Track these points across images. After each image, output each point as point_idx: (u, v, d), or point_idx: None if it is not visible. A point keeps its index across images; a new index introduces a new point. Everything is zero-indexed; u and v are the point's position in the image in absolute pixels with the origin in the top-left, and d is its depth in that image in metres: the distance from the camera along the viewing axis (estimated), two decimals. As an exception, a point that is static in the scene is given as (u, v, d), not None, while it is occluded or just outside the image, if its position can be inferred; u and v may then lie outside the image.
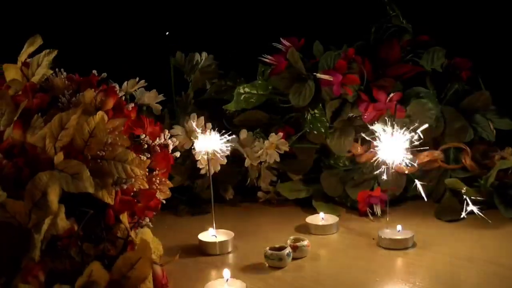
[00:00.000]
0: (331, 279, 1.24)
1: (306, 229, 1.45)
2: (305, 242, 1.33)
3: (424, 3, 1.77)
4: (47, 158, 1.20)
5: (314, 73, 1.51)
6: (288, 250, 1.29)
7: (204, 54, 1.74)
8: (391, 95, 1.48)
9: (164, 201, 1.46)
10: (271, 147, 1.57)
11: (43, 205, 1.13)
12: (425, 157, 1.50)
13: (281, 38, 1.59)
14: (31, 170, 1.17)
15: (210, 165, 1.40)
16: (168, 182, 1.45)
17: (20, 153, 1.20)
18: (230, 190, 1.62)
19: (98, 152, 1.26)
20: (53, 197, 1.13)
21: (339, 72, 1.50)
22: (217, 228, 1.41)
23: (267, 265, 1.29)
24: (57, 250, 1.16)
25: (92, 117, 1.26)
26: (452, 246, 1.35)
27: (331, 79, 1.49)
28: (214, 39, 1.80)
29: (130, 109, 1.40)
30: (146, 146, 1.38)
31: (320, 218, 1.45)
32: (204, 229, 1.41)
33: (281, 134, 1.57)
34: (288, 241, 1.33)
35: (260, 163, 1.59)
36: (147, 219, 1.39)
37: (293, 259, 1.31)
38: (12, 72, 1.41)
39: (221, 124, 1.63)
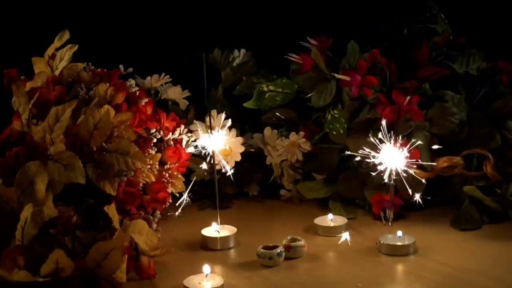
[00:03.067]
0: (316, 282, 1.24)
1: (315, 229, 1.44)
2: (300, 243, 1.33)
3: (465, 5, 1.72)
4: (46, 149, 1.26)
5: (333, 74, 1.50)
6: (279, 249, 1.30)
7: (242, 51, 1.76)
8: (408, 97, 1.44)
9: (177, 195, 1.50)
10: (293, 146, 1.57)
11: (30, 193, 1.19)
12: (443, 162, 1.45)
13: (307, 37, 1.58)
14: (30, 160, 1.24)
15: (214, 164, 1.42)
16: (180, 176, 1.48)
17: (20, 143, 1.27)
18: (255, 187, 1.64)
19: (104, 144, 1.32)
20: (41, 186, 1.19)
21: (359, 73, 1.48)
22: (228, 223, 1.44)
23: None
24: (50, 237, 1.23)
25: (98, 110, 1.32)
26: (454, 256, 1.31)
27: (349, 79, 1.47)
28: (251, 36, 1.81)
29: (143, 103, 1.44)
30: (155, 140, 1.42)
31: (329, 219, 1.44)
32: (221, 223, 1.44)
33: (302, 133, 1.57)
34: (284, 241, 1.33)
35: (283, 161, 1.59)
36: (157, 212, 1.44)
37: (288, 259, 1.32)
38: (40, 65, 1.49)
39: (251, 121, 1.66)
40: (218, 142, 1.41)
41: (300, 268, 1.29)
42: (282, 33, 1.80)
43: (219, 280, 1.21)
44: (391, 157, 1.32)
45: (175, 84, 1.68)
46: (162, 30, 1.86)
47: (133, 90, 1.43)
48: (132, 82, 1.44)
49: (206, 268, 1.22)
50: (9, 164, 1.24)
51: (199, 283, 1.21)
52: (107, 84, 1.39)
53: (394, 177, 1.34)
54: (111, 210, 1.23)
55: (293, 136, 1.57)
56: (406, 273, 1.26)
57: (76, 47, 1.45)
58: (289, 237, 1.34)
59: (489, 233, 1.40)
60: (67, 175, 1.23)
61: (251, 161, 1.62)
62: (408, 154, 1.34)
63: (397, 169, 1.33)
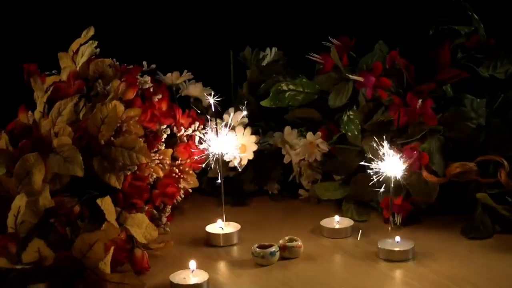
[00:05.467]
0: (302, 283, 1.24)
1: (321, 231, 1.44)
2: (297, 243, 1.33)
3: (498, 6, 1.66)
4: (51, 141, 1.32)
5: (347, 74, 1.49)
6: (273, 249, 1.30)
7: (274, 50, 1.76)
8: (420, 100, 1.41)
9: (190, 190, 1.53)
10: (311, 146, 1.57)
11: (27, 183, 1.24)
12: (456, 168, 1.41)
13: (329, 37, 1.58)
14: (34, 151, 1.29)
15: (220, 164, 1.43)
16: (191, 172, 1.51)
17: (26, 135, 1.32)
18: (274, 185, 1.64)
19: (112, 139, 1.36)
20: (37, 177, 1.24)
21: (375, 74, 1.46)
22: (241, 220, 1.46)
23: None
24: (50, 226, 1.28)
25: (106, 105, 1.36)
26: (452, 265, 1.27)
27: (362, 80, 1.46)
28: (281, 35, 1.81)
29: (157, 100, 1.47)
30: (165, 136, 1.45)
31: (335, 221, 1.43)
32: (234, 221, 1.45)
33: (319, 133, 1.56)
34: (281, 241, 1.33)
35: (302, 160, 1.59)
36: (168, 207, 1.47)
37: (284, 259, 1.32)
38: (66, 60, 1.54)
39: (277, 119, 1.67)
40: (225, 144, 1.42)
41: (293, 268, 1.29)
42: (314, 33, 1.79)
43: (203, 276, 1.23)
44: (390, 165, 1.30)
45: (203, 81, 1.70)
46: (190, 28, 1.89)
47: (147, 86, 1.46)
48: (147, 78, 1.46)
49: (192, 263, 1.24)
50: (15, 155, 1.30)
51: (184, 278, 1.23)
52: (119, 80, 1.43)
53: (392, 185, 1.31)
54: (105, 202, 1.26)
55: (310, 136, 1.56)
56: (396, 279, 1.25)
57: (95, 43, 1.49)
58: (287, 237, 1.34)
59: (498, 243, 1.36)
60: (66, 167, 1.27)
61: (272, 160, 1.62)
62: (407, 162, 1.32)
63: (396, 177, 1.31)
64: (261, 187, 1.66)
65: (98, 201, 1.26)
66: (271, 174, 1.64)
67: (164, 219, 1.47)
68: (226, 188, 1.62)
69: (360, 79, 1.46)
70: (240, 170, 1.53)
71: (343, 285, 1.21)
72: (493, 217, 1.40)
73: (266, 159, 1.61)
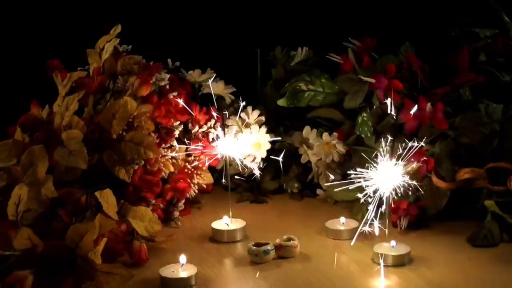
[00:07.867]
0: (288, 283, 1.25)
1: (326, 231, 1.44)
2: (294, 242, 1.34)
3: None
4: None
5: (359, 76, 1.48)
6: (267, 247, 1.32)
7: (305, 49, 1.77)
8: (428, 104, 1.38)
9: (204, 186, 1.56)
10: (328, 147, 1.57)
11: (32, 174, 1.30)
12: (465, 174, 1.38)
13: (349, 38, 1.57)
14: (46, 143, 1.35)
15: (227, 165, 1.45)
16: (204, 169, 1.54)
17: (38, 128, 1.39)
18: (294, 184, 1.64)
19: (124, 133, 1.41)
20: (41, 168, 1.30)
21: (387, 76, 1.45)
22: (252, 217, 1.48)
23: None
24: (55, 215, 1.34)
25: (118, 101, 1.41)
26: (446, 274, 1.25)
27: (373, 82, 1.45)
28: (310, 35, 1.81)
29: (172, 96, 1.51)
30: (177, 132, 1.48)
31: (341, 222, 1.43)
32: (246, 218, 1.47)
33: (335, 134, 1.56)
34: (278, 239, 1.34)
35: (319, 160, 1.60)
36: (181, 202, 1.51)
37: (281, 258, 1.33)
38: (94, 57, 1.60)
39: (302, 118, 1.67)
40: (232, 146, 1.44)
41: (284, 268, 1.30)
42: (345, 32, 1.78)
43: (192, 270, 1.25)
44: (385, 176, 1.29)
45: (227, 79, 1.73)
46: (220, 27, 1.91)
47: (163, 83, 1.50)
48: (164, 76, 1.50)
49: (182, 257, 1.27)
50: (27, 147, 1.36)
51: (173, 271, 1.26)
52: (134, 77, 1.48)
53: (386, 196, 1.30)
54: (104, 195, 1.31)
55: (326, 136, 1.56)
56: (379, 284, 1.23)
57: (117, 41, 1.54)
58: (285, 236, 1.35)
59: (502, 253, 1.32)
60: (70, 159, 1.33)
61: (292, 159, 1.63)
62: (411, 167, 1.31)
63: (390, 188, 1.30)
64: (282, 185, 1.67)
65: (97, 193, 1.30)
66: (291, 173, 1.64)
67: (177, 214, 1.51)
68: (247, 185, 1.65)
69: (372, 81, 1.45)
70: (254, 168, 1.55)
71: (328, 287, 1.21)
72: (502, 225, 1.36)
73: (286, 158, 1.61)
